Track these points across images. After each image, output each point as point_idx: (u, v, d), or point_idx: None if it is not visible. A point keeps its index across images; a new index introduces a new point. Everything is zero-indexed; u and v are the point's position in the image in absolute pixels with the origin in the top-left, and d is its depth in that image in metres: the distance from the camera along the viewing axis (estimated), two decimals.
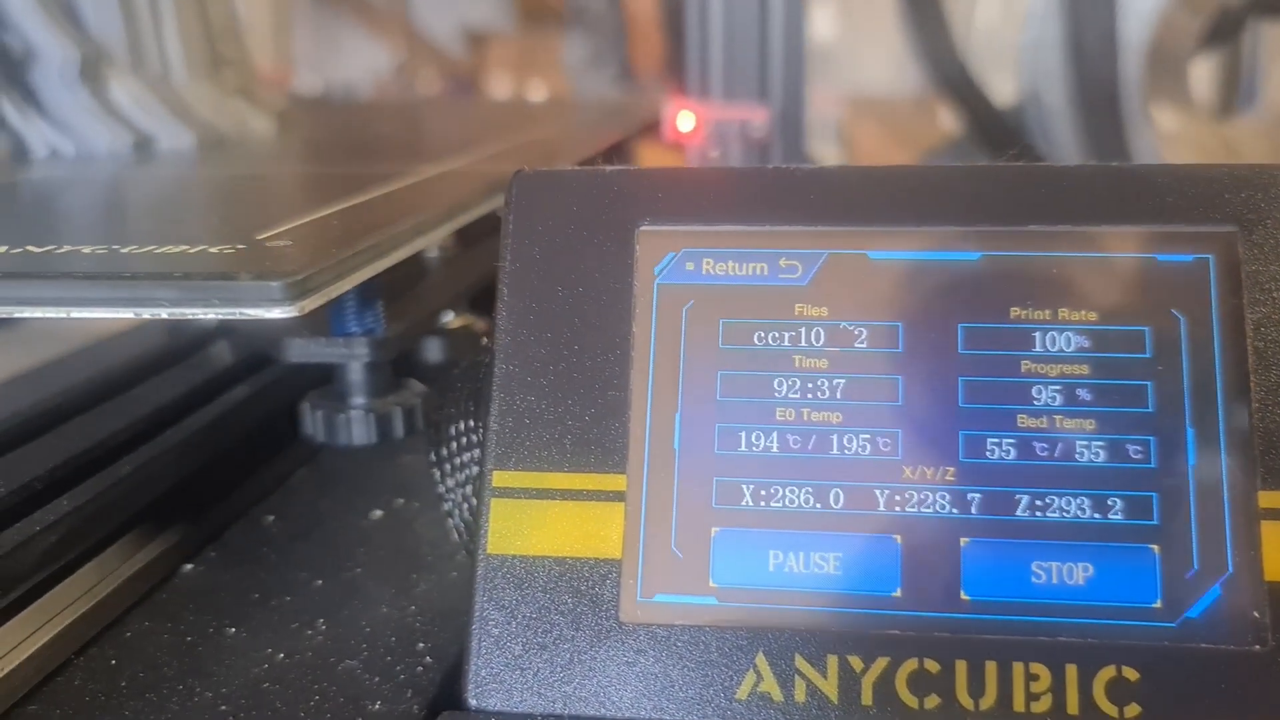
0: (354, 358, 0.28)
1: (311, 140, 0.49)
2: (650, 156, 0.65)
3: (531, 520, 0.21)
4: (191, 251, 0.22)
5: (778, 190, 0.22)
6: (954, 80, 0.60)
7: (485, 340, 0.26)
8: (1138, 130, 0.59)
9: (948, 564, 0.20)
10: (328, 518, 0.29)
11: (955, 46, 0.61)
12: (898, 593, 0.20)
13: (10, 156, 0.43)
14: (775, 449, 0.21)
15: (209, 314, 0.20)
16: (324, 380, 0.31)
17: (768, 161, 0.55)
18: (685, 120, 0.52)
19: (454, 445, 0.24)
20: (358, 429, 0.28)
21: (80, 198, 0.33)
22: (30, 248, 0.23)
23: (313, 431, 0.29)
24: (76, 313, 0.20)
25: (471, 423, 0.24)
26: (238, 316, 0.20)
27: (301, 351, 0.28)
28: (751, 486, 0.21)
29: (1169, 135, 0.60)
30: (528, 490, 0.21)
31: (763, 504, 0.21)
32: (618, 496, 0.21)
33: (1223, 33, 0.60)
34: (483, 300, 0.40)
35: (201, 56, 0.49)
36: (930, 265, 0.21)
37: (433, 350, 0.37)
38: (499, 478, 0.21)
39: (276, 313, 0.20)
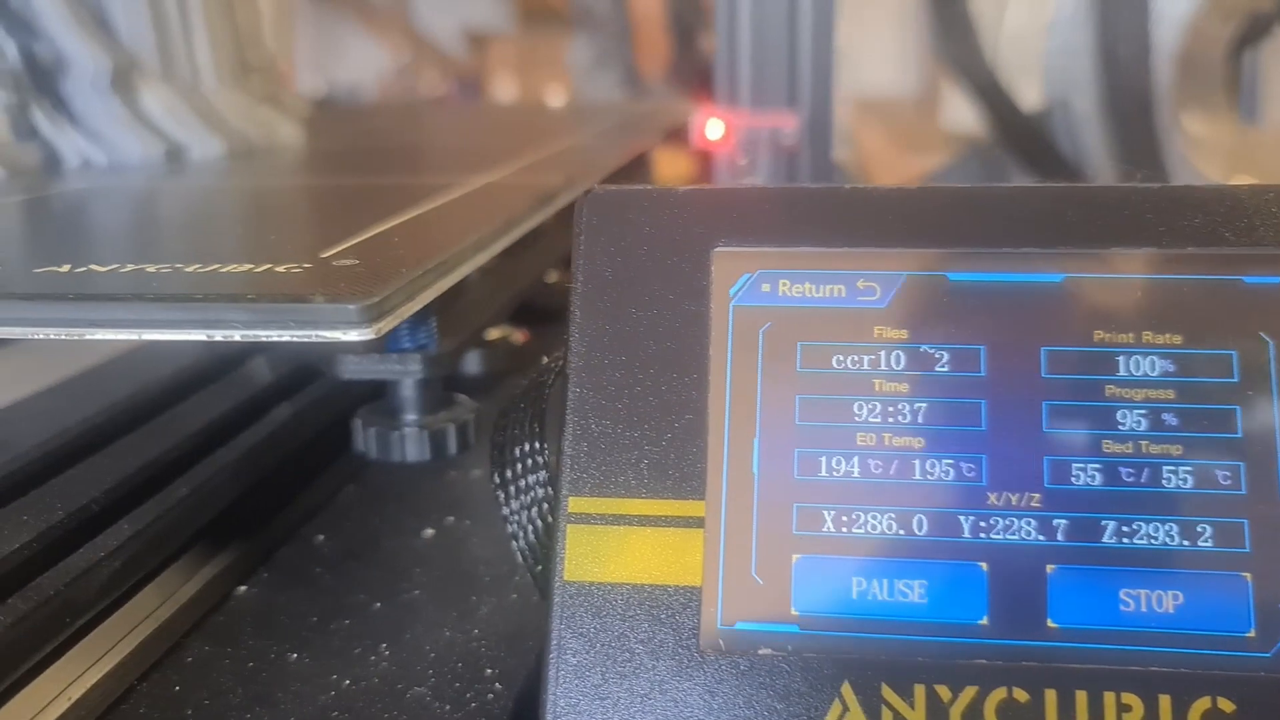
0: (408, 374, 0.28)
1: (341, 148, 0.49)
2: (674, 163, 0.65)
3: (609, 547, 0.21)
4: (258, 271, 0.22)
5: (855, 210, 0.22)
6: (983, 86, 0.60)
7: (546, 359, 0.26)
8: (1167, 137, 0.58)
9: (1034, 591, 0.20)
10: (380, 537, 0.29)
11: (984, 53, 0.61)
12: (984, 620, 0.20)
13: (42, 167, 0.43)
14: (856, 474, 0.21)
15: (283, 336, 0.20)
16: (373, 395, 0.31)
17: (796, 169, 0.55)
18: (714, 128, 0.52)
19: (519, 467, 0.24)
20: (412, 446, 0.28)
21: (127, 211, 0.33)
22: (94, 266, 0.23)
23: (365, 448, 0.29)
24: (149, 335, 0.20)
25: (537, 444, 0.24)
26: (312, 339, 0.20)
27: (356, 368, 0.28)
28: (833, 512, 0.21)
29: (1198, 142, 0.60)
30: (604, 516, 0.21)
31: (844, 530, 0.20)
32: (696, 523, 0.21)
33: (1252, 39, 0.60)
34: (519, 312, 0.39)
35: (230, 63, 0.49)
36: (1012, 287, 0.21)
37: (472, 363, 0.37)
38: (575, 504, 0.21)
39: (353, 336, 0.20)
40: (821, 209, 0.22)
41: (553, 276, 0.40)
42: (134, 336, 0.20)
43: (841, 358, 0.21)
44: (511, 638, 0.24)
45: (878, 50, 1.36)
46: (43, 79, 0.44)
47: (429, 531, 0.30)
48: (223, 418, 0.30)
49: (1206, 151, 0.60)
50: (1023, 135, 0.58)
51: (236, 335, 0.20)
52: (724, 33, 0.53)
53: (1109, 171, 0.59)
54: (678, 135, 0.61)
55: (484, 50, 1.92)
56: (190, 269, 0.22)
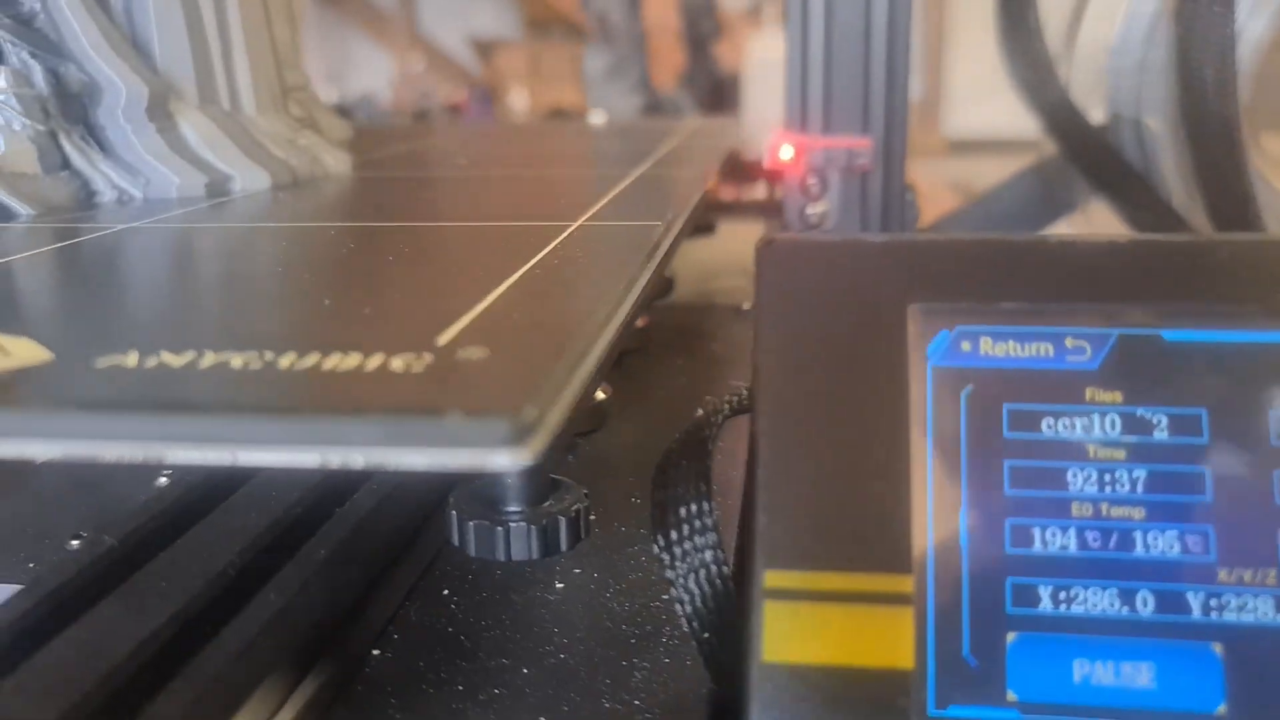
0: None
1: (394, 178, 0.49)
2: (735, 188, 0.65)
3: (810, 625, 0.21)
4: (370, 368, 0.20)
5: (1062, 263, 0.22)
6: (1051, 103, 0.61)
7: (701, 411, 0.26)
8: (1247, 157, 0.59)
9: (1277, 677, 0.20)
10: (509, 590, 0.29)
11: (1054, 68, 0.62)
12: (1222, 709, 0.20)
13: (75, 201, 0.42)
14: (1073, 547, 0.21)
15: (416, 461, 0.17)
16: (464, 477, 0.30)
17: (869, 193, 0.55)
18: (786, 150, 0.52)
19: (684, 529, 0.24)
20: (518, 544, 0.27)
21: (180, 263, 0.32)
22: (166, 356, 0.20)
23: (460, 542, 0.28)
24: (248, 456, 0.18)
25: (705, 505, 0.24)
26: (454, 466, 0.17)
27: None
28: (1049, 588, 0.21)
29: (1278, 161, 0.61)
30: (804, 592, 0.21)
31: (1063, 607, 0.21)
32: (903, 600, 0.21)
33: None
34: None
35: (270, 86, 0.49)
36: (1234, 347, 0.21)
37: None
38: (772, 578, 0.21)
39: (503, 460, 0.17)
40: (1025, 261, 0.22)
41: (640, 320, 0.40)
42: (226, 459, 0.18)
43: (1051, 422, 0.21)
44: (674, 709, 0.24)
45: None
46: (72, 106, 0.44)
47: (559, 585, 0.30)
48: (300, 502, 0.29)
49: None
50: (1095, 152, 0.59)
51: (359, 459, 0.17)
52: (795, 53, 0.53)
53: (1183, 191, 0.59)
54: (734, 158, 0.61)
55: (492, 58, 1.93)
56: (285, 362, 0.20)
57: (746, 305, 0.61)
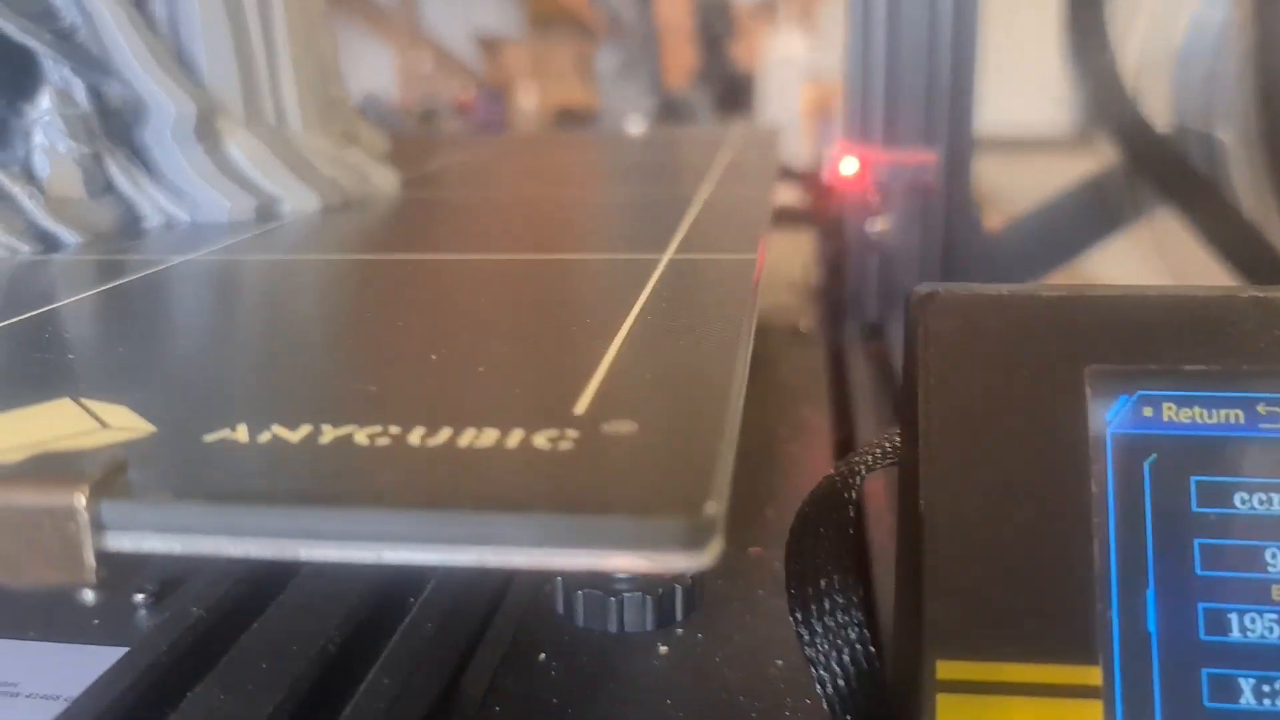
0: None
1: (449, 201, 0.47)
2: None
3: None
4: (511, 444, 0.18)
5: (1253, 321, 0.20)
6: (1118, 111, 0.59)
7: (834, 476, 0.25)
8: None
9: None
10: (610, 656, 0.28)
11: (1123, 80, 0.60)
12: None
13: (120, 226, 0.41)
14: (1275, 636, 0.19)
15: (581, 563, 0.16)
16: None
17: (932, 212, 0.53)
18: (849, 164, 0.51)
19: (825, 603, 0.23)
20: (632, 614, 0.25)
21: (250, 305, 0.30)
22: (280, 430, 0.18)
23: (565, 611, 0.26)
24: (392, 555, 0.16)
25: (849, 580, 0.23)
26: (619, 568, 0.16)
27: None
28: (1251, 680, 0.19)
29: None
30: (983, 685, 0.19)
31: (1266, 702, 0.19)
32: (1091, 693, 0.19)
33: None
34: None
35: (317, 100, 0.47)
36: None
37: None
38: (945, 669, 0.19)
39: (680, 563, 0.15)
40: (1211, 318, 0.20)
41: None
42: (370, 558, 0.16)
43: (1245, 496, 0.20)
44: None
45: None
46: (114, 125, 0.42)
47: (663, 649, 0.28)
48: (374, 595, 0.27)
49: None
50: (1166, 163, 0.58)
51: (519, 560, 0.16)
52: (856, 63, 0.52)
53: (1256, 206, 0.58)
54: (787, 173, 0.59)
55: (496, 56, 1.92)
56: (414, 438, 0.18)
57: (803, 326, 0.59)
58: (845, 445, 0.43)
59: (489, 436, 0.18)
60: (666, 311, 0.26)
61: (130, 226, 0.41)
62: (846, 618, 0.23)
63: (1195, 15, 0.59)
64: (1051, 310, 0.21)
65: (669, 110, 1.76)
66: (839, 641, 0.23)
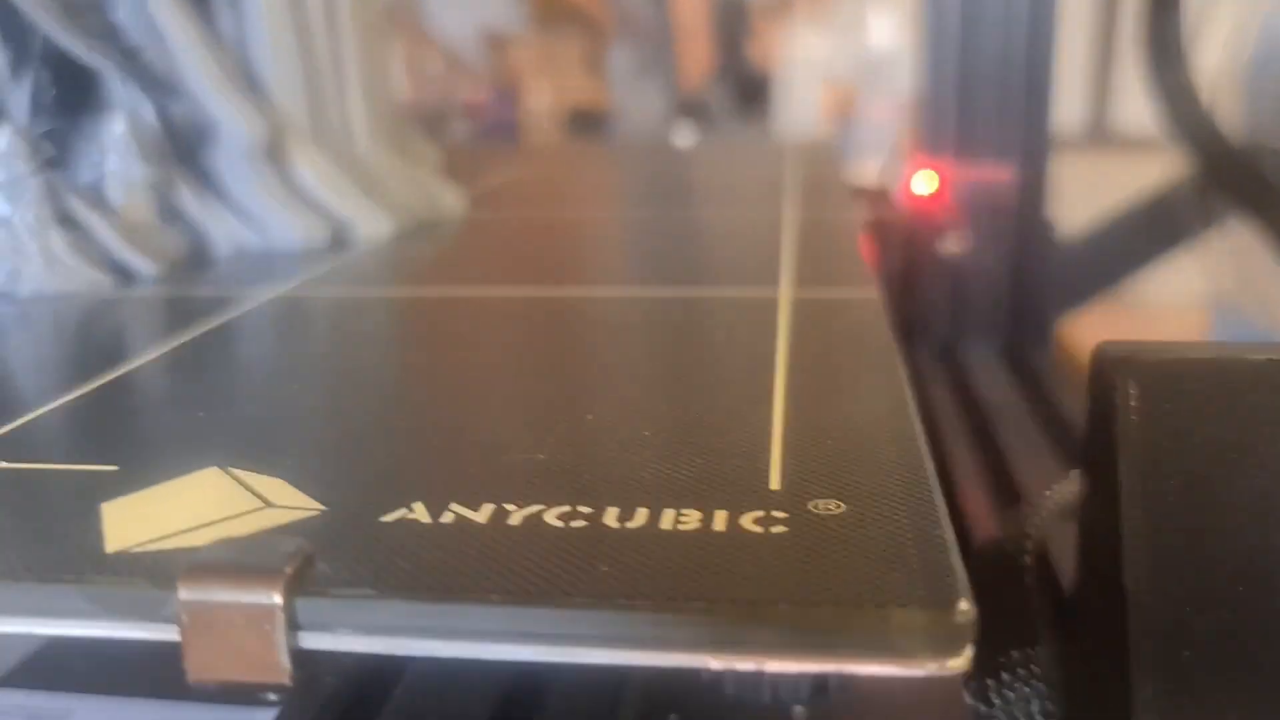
0: None
1: (521, 223, 0.46)
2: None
3: None
4: (718, 527, 0.17)
5: None
6: (1194, 123, 0.58)
7: (1004, 541, 0.24)
8: None
9: None
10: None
11: (1199, 92, 0.59)
12: None
13: (189, 254, 0.40)
14: None
15: (820, 669, 0.15)
16: None
17: (1006, 228, 0.52)
18: (925, 181, 0.50)
19: (1003, 676, 0.22)
20: (786, 684, 0.24)
21: (362, 353, 0.28)
22: (460, 509, 0.17)
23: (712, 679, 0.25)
24: (625, 658, 0.15)
25: (1033, 649, 0.22)
26: (861, 672, 0.15)
27: None
28: None
29: None
30: None
31: None
32: None
33: None
34: None
35: (384, 117, 0.46)
36: None
37: None
38: None
39: (932, 668, 0.14)
40: None
41: None
42: (603, 659, 0.15)
43: None
44: None
45: None
46: (181, 147, 0.41)
47: (799, 709, 0.27)
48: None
49: None
50: (1244, 177, 0.57)
51: (752, 665, 0.15)
52: (930, 77, 0.51)
53: None
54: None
55: (501, 53, 1.90)
56: (609, 519, 0.17)
57: None
58: (942, 473, 0.42)
59: (692, 519, 0.17)
60: (815, 368, 0.25)
61: (200, 254, 0.40)
62: (1029, 690, 0.22)
63: (1269, 23, 0.58)
64: (1263, 376, 0.20)
65: (686, 111, 1.75)
66: (1018, 714, 0.22)
